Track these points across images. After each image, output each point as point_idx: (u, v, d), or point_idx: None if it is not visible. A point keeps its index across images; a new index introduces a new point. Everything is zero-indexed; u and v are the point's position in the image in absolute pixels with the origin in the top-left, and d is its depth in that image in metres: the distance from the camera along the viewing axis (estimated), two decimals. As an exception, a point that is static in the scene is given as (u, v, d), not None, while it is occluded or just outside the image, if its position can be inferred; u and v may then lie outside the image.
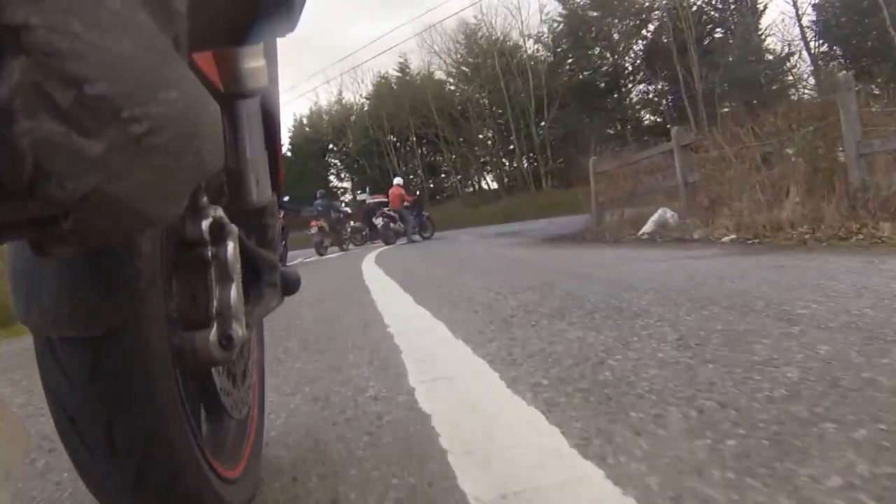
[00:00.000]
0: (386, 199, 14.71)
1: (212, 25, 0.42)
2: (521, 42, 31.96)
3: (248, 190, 0.78)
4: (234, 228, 0.68)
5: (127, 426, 0.55)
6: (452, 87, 33.34)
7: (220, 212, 0.66)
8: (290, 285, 0.94)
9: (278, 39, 0.79)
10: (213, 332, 0.63)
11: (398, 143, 33.13)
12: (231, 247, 0.66)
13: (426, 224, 14.96)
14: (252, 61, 0.70)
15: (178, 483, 0.59)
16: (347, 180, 34.99)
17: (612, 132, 30.31)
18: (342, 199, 15.66)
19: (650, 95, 31.56)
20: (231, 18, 0.43)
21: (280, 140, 0.96)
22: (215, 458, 0.71)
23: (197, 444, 0.64)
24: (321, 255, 12.75)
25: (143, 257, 0.53)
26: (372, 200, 14.82)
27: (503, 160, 32.61)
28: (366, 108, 33.99)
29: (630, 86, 31.90)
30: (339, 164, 36.19)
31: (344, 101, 35.44)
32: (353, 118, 34.44)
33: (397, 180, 15.38)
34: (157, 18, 0.26)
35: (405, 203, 14.25)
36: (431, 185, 33.07)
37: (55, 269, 0.50)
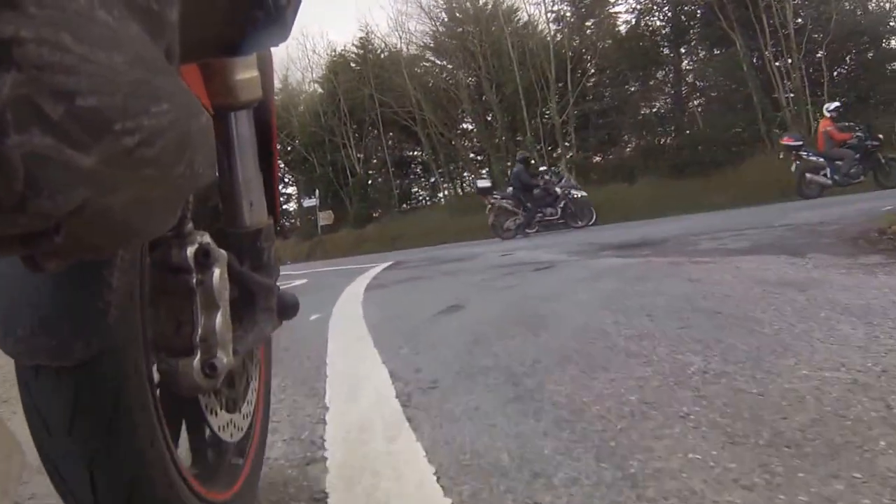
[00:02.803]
0: None
1: (204, 36, 0.40)
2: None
3: (241, 212, 0.75)
4: (223, 254, 0.65)
5: (105, 452, 0.55)
6: (429, 64, 23.60)
7: (206, 237, 0.63)
8: (287, 309, 0.91)
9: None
10: (197, 360, 0.61)
11: (358, 132, 23.90)
12: (217, 274, 0.63)
13: (888, 167, 9.26)
14: (244, 72, 0.68)
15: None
16: (291, 184, 25.98)
17: (648, 112, 20.03)
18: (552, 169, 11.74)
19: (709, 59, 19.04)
20: (223, 29, 0.42)
21: (277, 158, 0.92)
22: (201, 480, 0.70)
23: (175, 467, 0.63)
24: (502, 238, 10.27)
25: (112, 291, 0.52)
26: None
27: (499, 154, 20.97)
28: (318, 93, 25.51)
29: (693, 43, 19.87)
30: (281, 164, 26.18)
31: (290, 88, 26.44)
32: (301, 108, 25.90)
33: (830, 106, 9.99)
34: (149, 30, 0.26)
35: (837, 142, 9.46)
36: (398, 190, 23.60)
37: (30, 300, 0.51)
